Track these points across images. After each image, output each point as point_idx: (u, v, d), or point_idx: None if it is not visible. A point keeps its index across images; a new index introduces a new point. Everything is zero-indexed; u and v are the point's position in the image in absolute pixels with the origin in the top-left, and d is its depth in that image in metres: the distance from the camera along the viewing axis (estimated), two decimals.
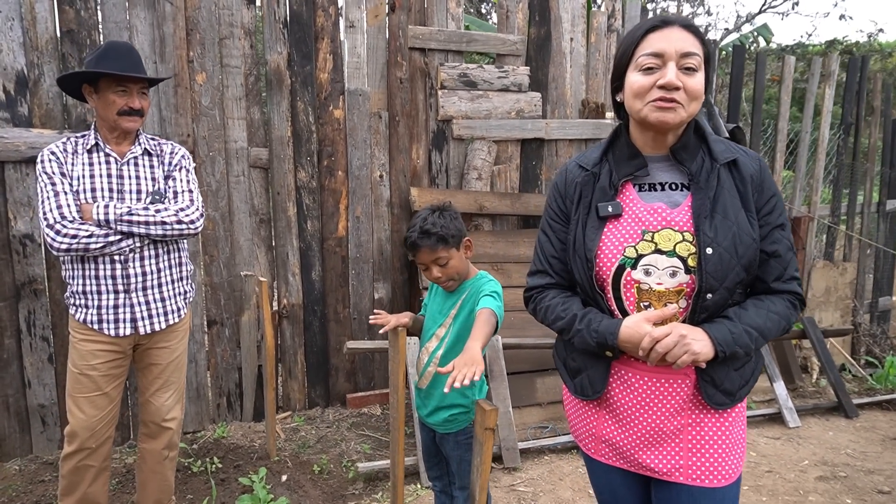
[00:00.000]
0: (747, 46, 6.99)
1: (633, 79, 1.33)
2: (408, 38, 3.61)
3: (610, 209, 1.38)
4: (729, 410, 1.40)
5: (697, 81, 1.30)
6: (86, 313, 2.16)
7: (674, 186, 1.39)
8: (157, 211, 2.13)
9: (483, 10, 9.43)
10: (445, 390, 1.46)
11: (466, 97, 3.79)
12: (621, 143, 1.44)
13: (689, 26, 1.33)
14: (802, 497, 2.87)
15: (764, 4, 8.70)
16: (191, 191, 2.26)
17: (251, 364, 3.48)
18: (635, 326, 1.31)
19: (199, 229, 2.23)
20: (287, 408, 3.64)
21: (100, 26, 3.01)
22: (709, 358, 1.28)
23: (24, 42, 2.87)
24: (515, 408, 3.38)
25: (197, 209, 2.23)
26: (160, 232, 2.13)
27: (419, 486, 2.88)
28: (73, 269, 2.15)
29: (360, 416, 3.64)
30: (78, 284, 2.14)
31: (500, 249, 3.76)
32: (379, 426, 3.51)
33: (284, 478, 2.89)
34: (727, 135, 4.59)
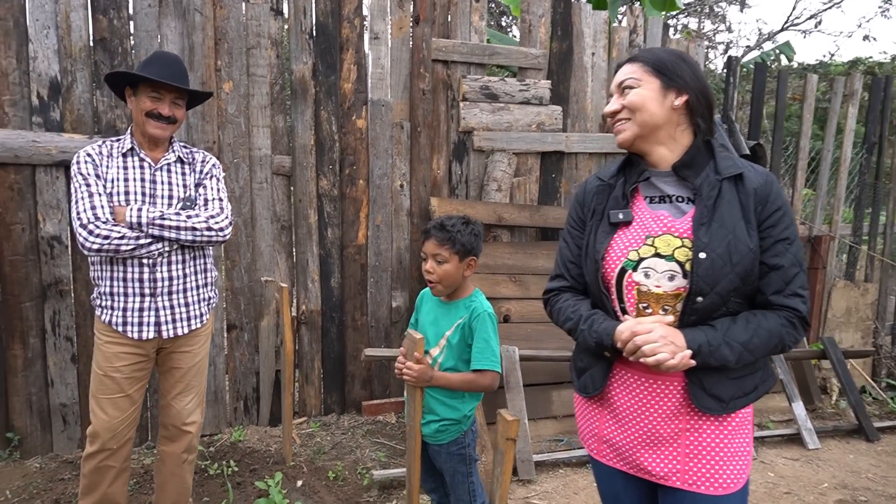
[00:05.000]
0: (769, 64, 6.95)
1: None
2: (431, 51, 3.65)
3: (621, 216, 1.48)
4: (729, 418, 1.43)
5: (633, 95, 1.44)
6: (111, 315, 2.20)
7: (680, 199, 1.46)
8: (189, 217, 2.17)
9: (503, 24, 9.48)
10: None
11: (488, 109, 3.82)
12: (636, 158, 1.54)
13: (633, 59, 1.50)
14: None
15: (786, 22, 8.68)
16: (221, 199, 2.30)
17: (269, 369, 3.51)
18: (627, 327, 1.38)
19: (227, 237, 2.27)
20: (303, 413, 3.66)
21: (131, 35, 3.08)
22: (675, 364, 1.31)
23: (58, 49, 2.94)
24: (531, 420, 3.37)
25: (226, 217, 2.27)
26: (190, 238, 2.17)
27: None
28: (101, 271, 2.19)
29: (375, 423, 3.65)
30: (105, 286, 2.19)
31: (518, 261, 3.77)
32: (394, 434, 3.52)
33: (300, 483, 2.91)
34: (747, 151, 4.57)
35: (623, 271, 1.44)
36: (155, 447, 3.17)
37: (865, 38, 9.66)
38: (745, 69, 6.54)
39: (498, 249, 3.78)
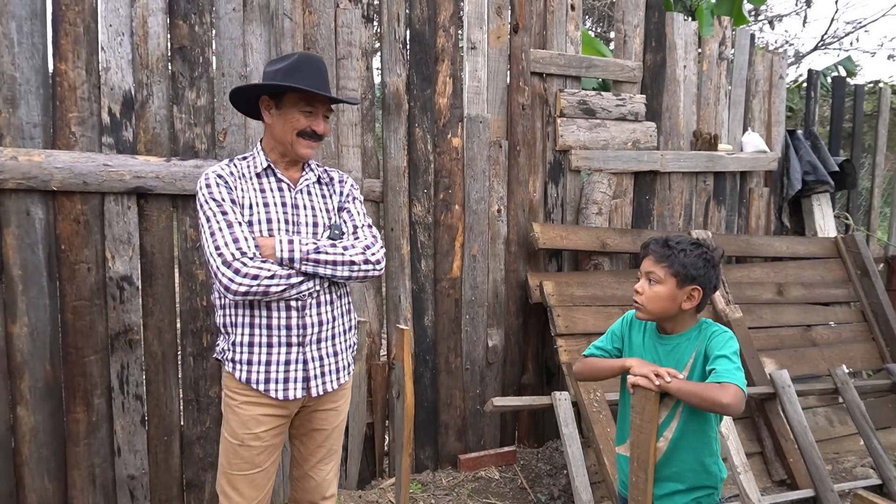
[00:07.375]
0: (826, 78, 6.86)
1: None
2: (530, 62, 3.33)
3: None
4: None
5: None
6: (249, 371, 1.77)
7: None
8: (345, 249, 1.78)
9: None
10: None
11: (585, 126, 3.50)
12: None
13: None
14: None
15: (819, 41, 8.68)
16: (370, 225, 1.92)
17: (359, 422, 3.05)
18: None
19: (382, 271, 1.88)
20: (392, 472, 3.20)
21: (213, 43, 2.70)
22: None
23: (132, 59, 2.53)
24: None
25: (381, 247, 1.88)
26: (346, 273, 1.77)
27: None
28: (236, 316, 1.77)
29: (477, 480, 3.21)
30: (244, 335, 1.76)
31: (626, 291, 3.40)
32: (503, 493, 3.08)
33: None
34: (836, 168, 4.33)
35: None
36: None
37: (890, 56, 9.91)
38: (799, 80, 6.38)
39: (602, 279, 3.42)
